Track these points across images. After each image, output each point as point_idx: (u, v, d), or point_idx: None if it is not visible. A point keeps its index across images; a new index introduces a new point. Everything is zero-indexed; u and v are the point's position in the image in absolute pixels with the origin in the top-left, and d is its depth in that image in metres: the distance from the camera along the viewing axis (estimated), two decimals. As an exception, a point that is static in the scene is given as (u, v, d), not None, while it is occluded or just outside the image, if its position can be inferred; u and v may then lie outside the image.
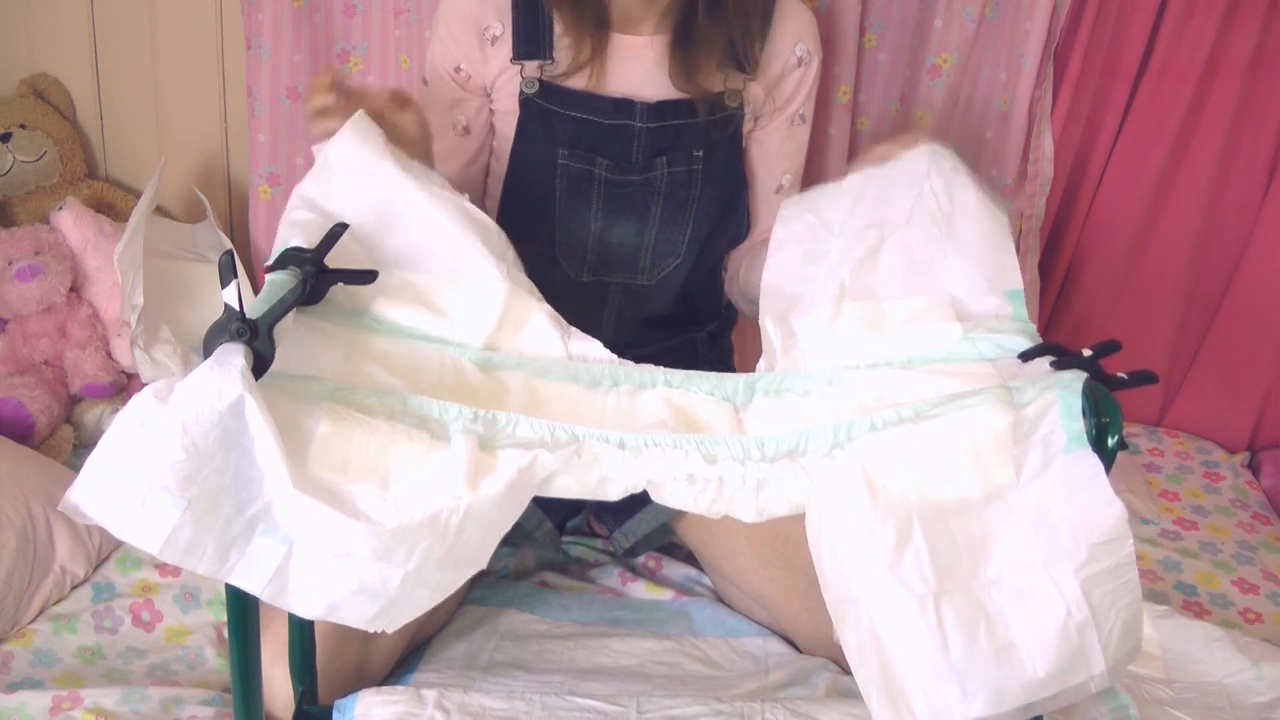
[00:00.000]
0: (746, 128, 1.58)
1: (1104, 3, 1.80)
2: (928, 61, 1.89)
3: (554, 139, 1.50)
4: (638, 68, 1.50)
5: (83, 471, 0.88)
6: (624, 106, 1.49)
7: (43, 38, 1.99)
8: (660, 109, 1.50)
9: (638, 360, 1.12)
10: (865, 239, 1.18)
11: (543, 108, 1.50)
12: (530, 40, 1.49)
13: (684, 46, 1.48)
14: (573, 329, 1.14)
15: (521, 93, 1.50)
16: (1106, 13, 1.82)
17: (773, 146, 1.60)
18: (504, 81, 1.52)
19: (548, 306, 1.15)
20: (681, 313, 1.61)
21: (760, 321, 1.18)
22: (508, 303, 1.12)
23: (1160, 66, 1.85)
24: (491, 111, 1.56)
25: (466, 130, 1.56)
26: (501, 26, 1.50)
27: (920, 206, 1.19)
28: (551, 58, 1.49)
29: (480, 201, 1.66)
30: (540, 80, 1.49)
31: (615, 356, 1.10)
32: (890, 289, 1.15)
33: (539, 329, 1.12)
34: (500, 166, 1.57)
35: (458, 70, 1.52)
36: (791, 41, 1.55)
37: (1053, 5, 1.77)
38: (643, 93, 1.51)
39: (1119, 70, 1.87)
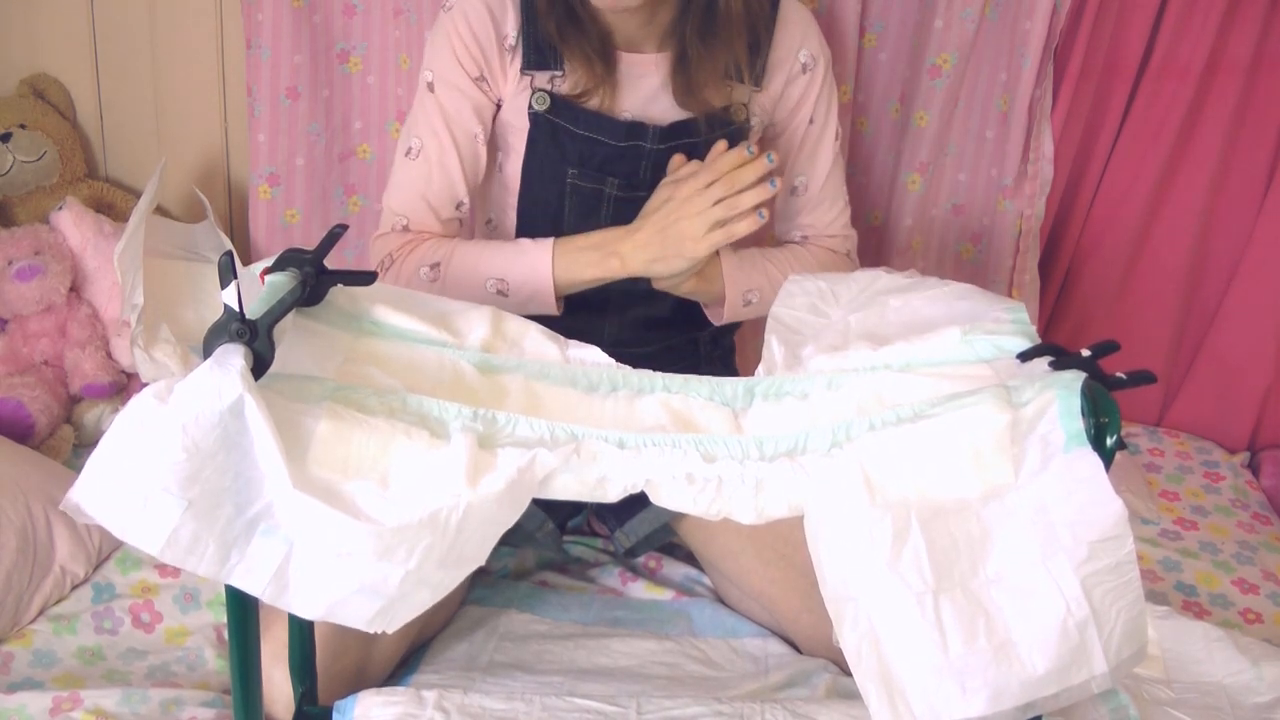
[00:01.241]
0: (755, 138, 1.58)
1: (1104, 3, 1.80)
2: (928, 61, 1.89)
3: (564, 157, 1.49)
4: (646, 86, 1.50)
5: (84, 471, 0.88)
6: (636, 130, 1.48)
7: (43, 38, 1.99)
8: (672, 131, 1.49)
9: (639, 359, 1.12)
10: (872, 304, 1.19)
11: (554, 124, 1.48)
12: (541, 50, 1.47)
13: (683, 66, 1.47)
14: (571, 341, 1.14)
15: (531, 108, 1.48)
16: (1106, 13, 1.82)
17: (784, 150, 1.60)
18: (516, 93, 1.50)
19: (540, 325, 1.15)
20: (684, 315, 1.61)
21: (765, 338, 1.18)
22: (498, 318, 1.12)
23: (1160, 66, 1.85)
24: (497, 124, 1.54)
25: (485, 141, 1.53)
26: (516, 35, 1.48)
27: (925, 284, 1.21)
28: (561, 69, 1.47)
29: (481, 215, 1.65)
30: (551, 95, 1.48)
31: (614, 362, 1.10)
32: (897, 332, 1.15)
33: (535, 341, 1.12)
34: (509, 181, 1.55)
35: (480, 79, 1.50)
36: (795, 48, 1.54)
37: (1053, 5, 1.77)
38: (652, 112, 1.50)
39: (1119, 70, 1.87)
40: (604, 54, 1.46)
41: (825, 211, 1.64)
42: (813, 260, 1.61)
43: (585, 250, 1.45)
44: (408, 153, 1.52)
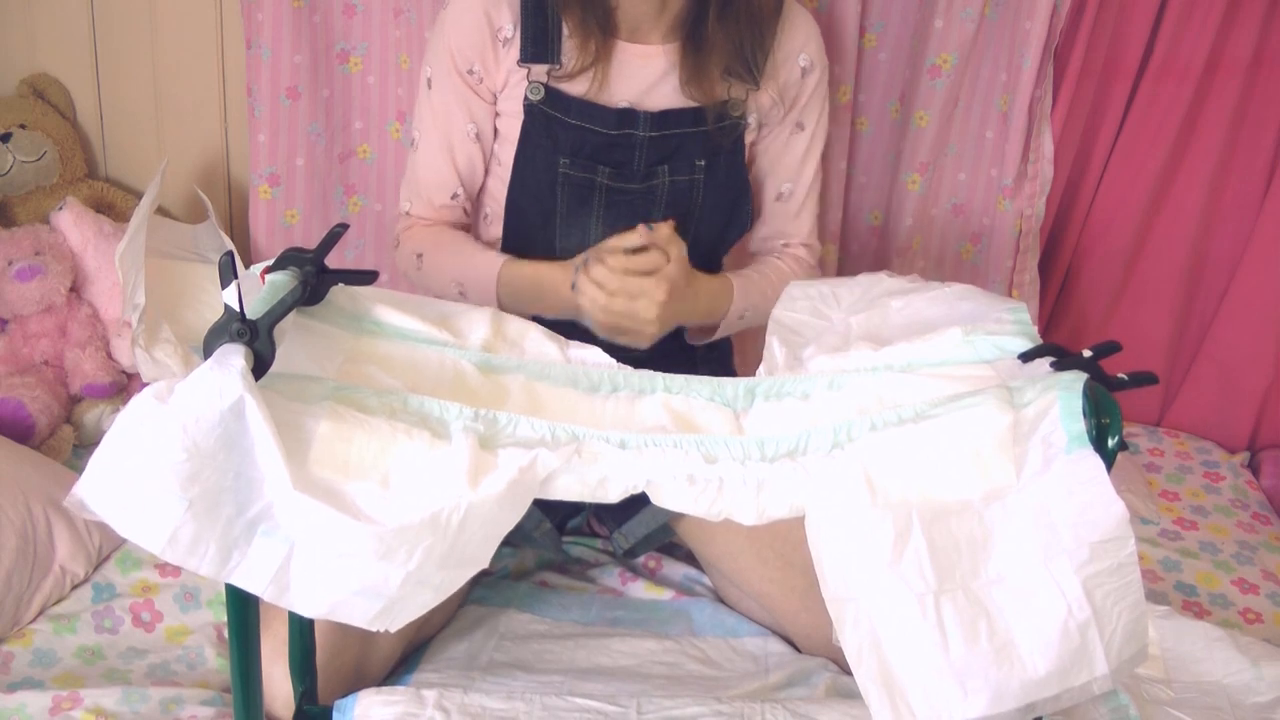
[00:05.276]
0: (750, 137, 1.59)
1: (1104, 3, 1.80)
2: (928, 61, 1.89)
3: (556, 147, 1.50)
4: (646, 75, 1.51)
5: (88, 468, 0.88)
6: (627, 117, 1.50)
7: (43, 38, 1.99)
8: (664, 118, 1.50)
9: (638, 358, 1.12)
10: (874, 306, 1.19)
11: (547, 114, 1.49)
12: (539, 42, 1.49)
13: (694, 54, 1.49)
14: (571, 341, 1.14)
15: (526, 98, 1.50)
16: (1106, 13, 1.82)
17: (772, 154, 1.61)
18: (512, 84, 1.51)
19: (541, 326, 1.15)
20: None
21: (766, 339, 1.18)
22: (499, 319, 1.13)
23: (1160, 66, 1.85)
24: (497, 115, 1.56)
25: (478, 136, 1.56)
26: (513, 28, 1.50)
27: (927, 287, 1.22)
28: (559, 62, 1.49)
29: (478, 208, 1.66)
30: (546, 86, 1.49)
31: (615, 362, 1.10)
32: (899, 333, 1.15)
33: (536, 341, 1.12)
34: (504, 171, 1.56)
35: (470, 73, 1.52)
36: (796, 51, 1.56)
37: (1053, 5, 1.77)
38: (646, 101, 1.51)
39: (1119, 70, 1.87)
40: (602, 34, 1.48)
41: (804, 221, 1.66)
42: (791, 276, 1.61)
43: (527, 288, 1.50)
44: (412, 144, 1.61)
